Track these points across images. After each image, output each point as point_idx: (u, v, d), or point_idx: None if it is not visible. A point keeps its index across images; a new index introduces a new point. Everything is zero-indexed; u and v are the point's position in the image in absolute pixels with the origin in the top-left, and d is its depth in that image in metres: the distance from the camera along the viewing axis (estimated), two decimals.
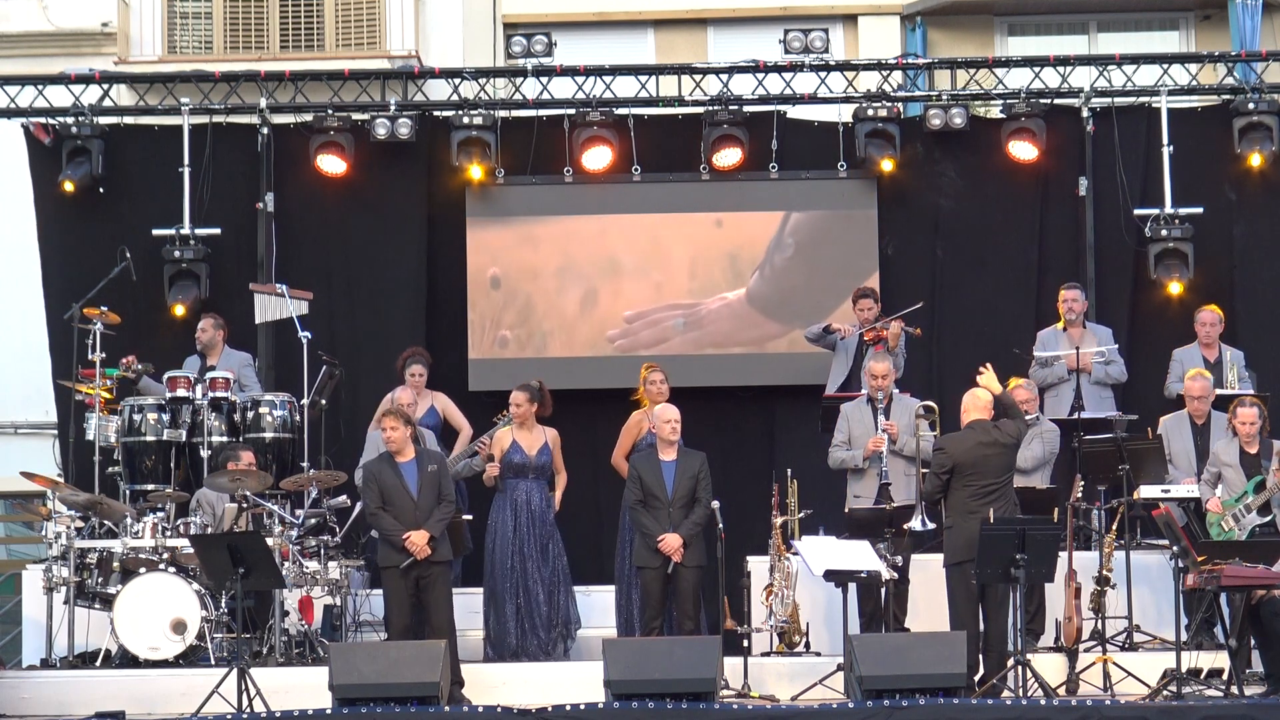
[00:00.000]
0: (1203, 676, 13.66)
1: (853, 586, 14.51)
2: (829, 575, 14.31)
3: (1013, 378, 16.15)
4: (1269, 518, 14.94)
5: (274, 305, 16.82)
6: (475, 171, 18.03)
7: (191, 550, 14.55)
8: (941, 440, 14.39)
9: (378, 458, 14.74)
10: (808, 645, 15.04)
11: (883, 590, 14.63)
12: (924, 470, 14.58)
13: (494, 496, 15.55)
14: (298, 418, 16.26)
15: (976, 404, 14.29)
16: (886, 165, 17.98)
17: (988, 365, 14.47)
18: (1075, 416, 16.08)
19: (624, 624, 15.40)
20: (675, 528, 14.68)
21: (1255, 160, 17.89)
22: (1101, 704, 13.30)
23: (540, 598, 15.25)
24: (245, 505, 14.98)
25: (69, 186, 17.93)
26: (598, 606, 15.84)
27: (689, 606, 14.69)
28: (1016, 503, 14.21)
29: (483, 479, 15.67)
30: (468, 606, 15.36)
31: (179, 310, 17.72)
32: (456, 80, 18.51)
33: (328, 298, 17.68)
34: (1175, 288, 17.75)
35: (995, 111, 18.64)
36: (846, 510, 15.49)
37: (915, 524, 14.48)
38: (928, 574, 14.47)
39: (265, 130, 18.15)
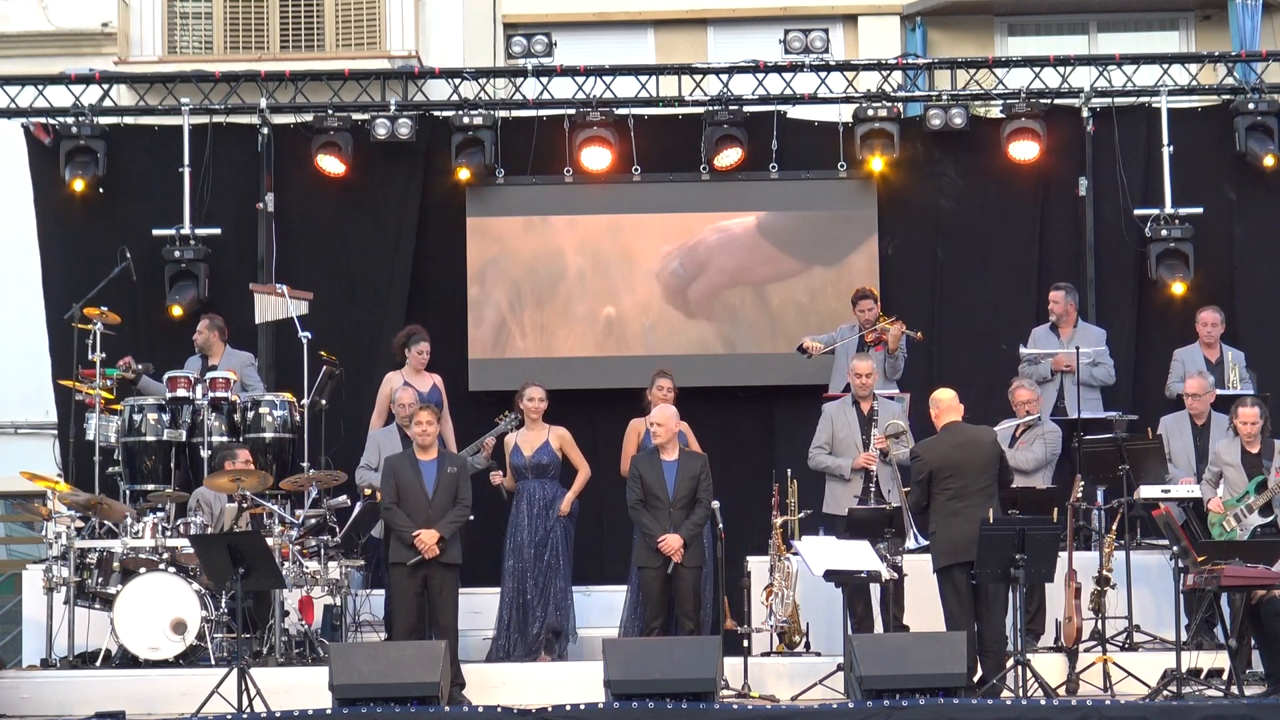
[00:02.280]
0: (1203, 676, 13.66)
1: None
2: (829, 575, 14.31)
3: (1015, 379, 16.18)
4: (1270, 518, 14.95)
5: (274, 305, 16.82)
6: (469, 173, 18.02)
7: (191, 550, 14.56)
8: (917, 447, 14.42)
9: (400, 454, 14.79)
10: (808, 645, 15.05)
11: (879, 590, 14.63)
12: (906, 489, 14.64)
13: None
14: (298, 418, 16.26)
15: (946, 406, 14.27)
16: (876, 164, 17.97)
17: None
18: (1076, 416, 16.08)
19: (633, 624, 15.36)
20: (676, 528, 14.68)
21: (1269, 161, 17.82)
22: (1101, 704, 13.31)
23: (532, 597, 15.22)
24: (245, 505, 14.98)
25: (80, 186, 17.93)
26: (598, 606, 15.85)
27: (689, 606, 14.68)
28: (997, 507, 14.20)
29: (490, 482, 15.69)
30: (469, 607, 15.36)
31: (176, 311, 17.72)
32: (456, 80, 18.51)
33: (328, 298, 17.67)
34: (1178, 288, 17.74)
35: (995, 111, 18.63)
36: (825, 511, 15.50)
37: (910, 543, 14.52)
38: (927, 573, 14.45)
39: (265, 130, 18.15)
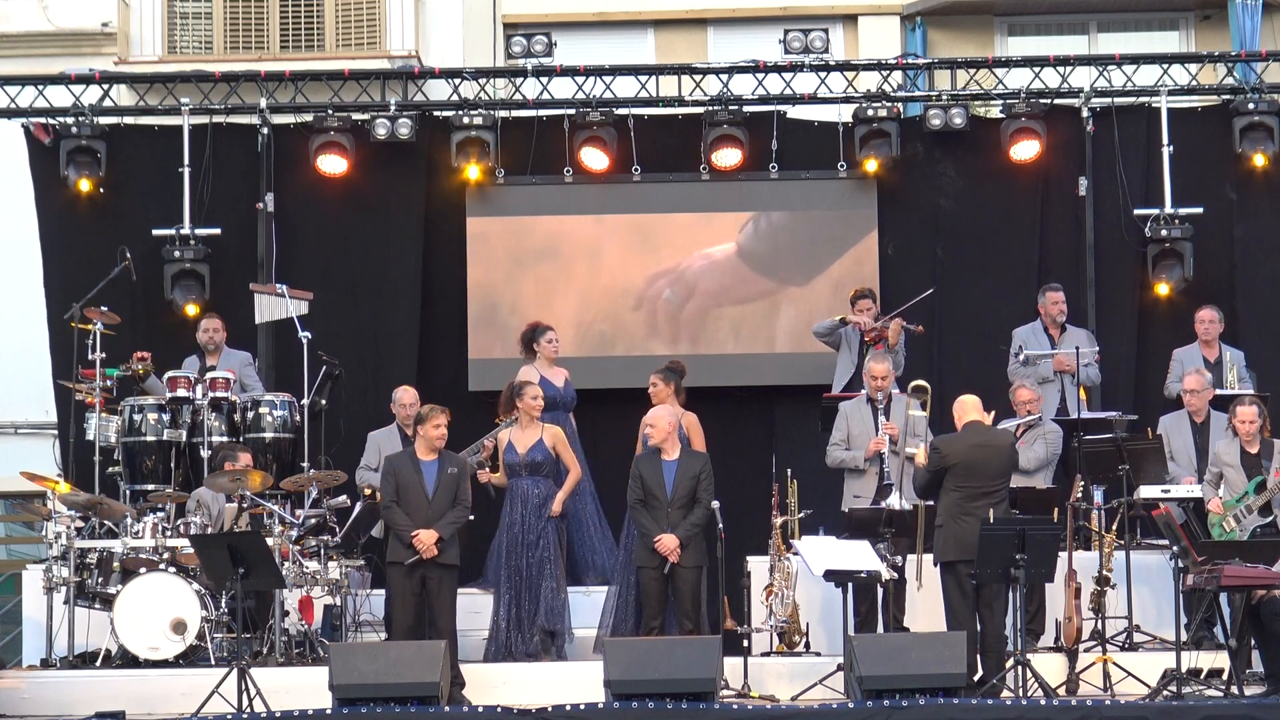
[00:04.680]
0: (1203, 676, 13.66)
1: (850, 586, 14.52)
2: (829, 575, 14.30)
3: (1016, 378, 16.17)
4: (1270, 518, 14.95)
5: (274, 305, 16.82)
6: (474, 171, 18.05)
7: (191, 550, 14.56)
8: (938, 441, 14.38)
9: (401, 453, 14.79)
10: (808, 645, 15.04)
11: (880, 591, 14.63)
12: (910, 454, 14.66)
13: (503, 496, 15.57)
14: (298, 418, 16.27)
15: (970, 406, 14.29)
16: (871, 166, 17.98)
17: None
18: (1076, 416, 16.09)
19: (611, 624, 15.31)
20: (673, 528, 14.64)
21: (1259, 160, 17.88)
22: (1101, 704, 13.30)
23: (526, 597, 15.20)
24: (245, 505, 14.98)
25: (80, 186, 17.94)
26: (598, 606, 15.83)
27: (688, 606, 14.66)
28: (1009, 510, 14.20)
29: (478, 478, 15.68)
30: (469, 607, 15.36)
31: (190, 310, 17.74)
32: (456, 80, 18.52)
33: (328, 298, 17.68)
34: (1163, 288, 17.82)
35: (995, 111, 18.64)
36: (844, 509, 15.50)
37: (894, 501, 14.58)
38: (926, 574, 14.45)
39: (265, 130, 18.16)
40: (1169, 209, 17.83)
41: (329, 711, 13.08)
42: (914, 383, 15.42)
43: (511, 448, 15.40)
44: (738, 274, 18.26)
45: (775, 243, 18.24)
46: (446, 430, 14.56)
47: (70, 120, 18.09)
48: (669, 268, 18.25)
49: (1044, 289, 17.18)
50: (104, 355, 16.15)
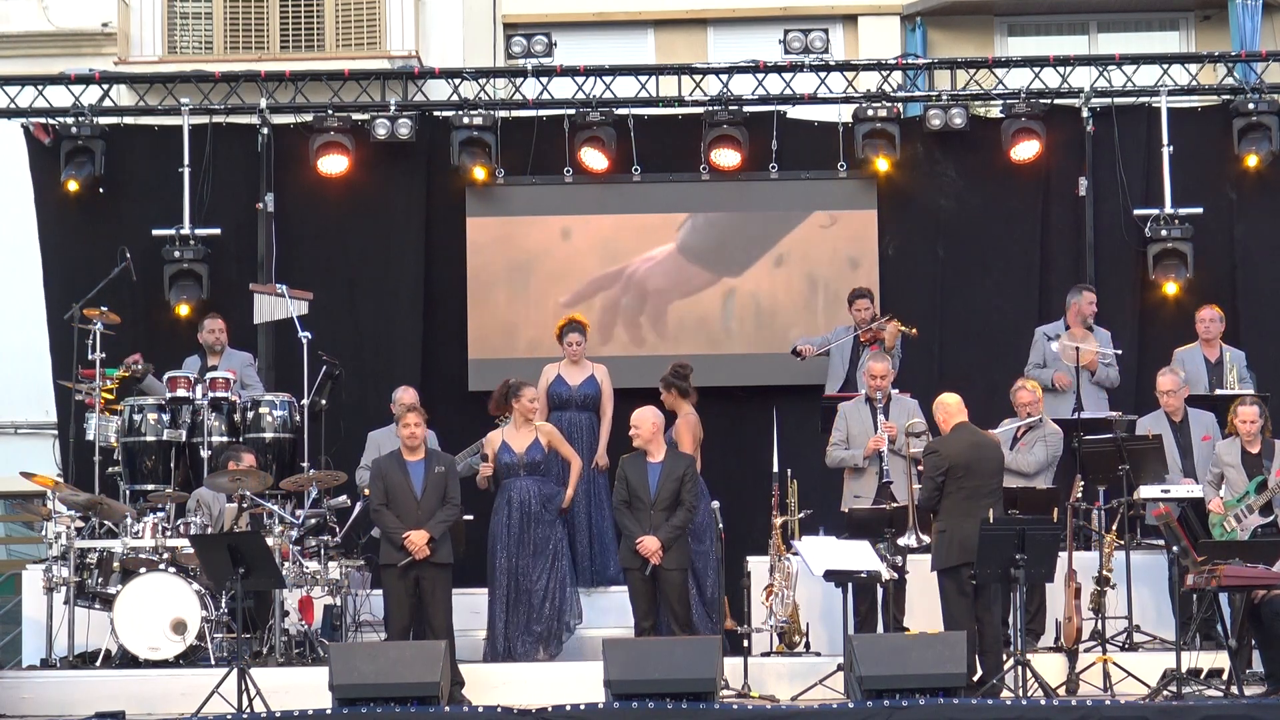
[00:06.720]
0: (1203, 676, 13.66)
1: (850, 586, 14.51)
2: (829, 575, 14.30)
3: (1020, 379, 16.16)
4: (1270, 518, 14.95)
5: (274, 305, 16.82)
6: (478, 172, 18.04)
7: (191, 550, 14.56)
8: (934, 443, 14.35)
9: (388, 455, 14.78)
10: (808, 645, 15.04)
11: (880, 591, 14.62)
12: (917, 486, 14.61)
13: (495, 496, 15.52)
14: (298, 418, 16.27)
15: (955, 409, 14.26)
16: (882, 165, 17.99)
17: None
18: (1075, 417, 16.08)
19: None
20: (655, 530, 14.59)
21: (1252, 161, 17.90)
22: (1101, 704, 13.31)
23: (535, 597, 15.19)
24: (245, 505, 14.98)
25: (74, 186, 17.94)
26: (597, 607, 15.84)
27: (676, 607, 14.60)
28: (1007, 509, 14.19)
29: (475, 481, 15.65)
30: (469, 607, 15.36)
31: (183, 310, 17.74)
32: (456, 80, 18.53)
33: (328, 298, 17.68)
34: (1171, 288, 17.80)
35: (995, 111, 18.64)
36: (844, 509, 15.49)
37: (911, 540, 14.49)
38: (926, 574, 14.45)
39: (265, 130, 18.16)
40: (1169, 209, 17.83)
41: (329, 711, 13.08)
42: (912, 423, 15.26)
43: (507, 448, 15.37)
44: (680, 270, 18.31)
45: (714, 232, 18.29)
46: (419, 429, 14.50)
47: (70, 120, 18.09)
48: (615, 270, 18.27)
49: (1078, 289, 17.10)
50: (104, 355, 16.15)
